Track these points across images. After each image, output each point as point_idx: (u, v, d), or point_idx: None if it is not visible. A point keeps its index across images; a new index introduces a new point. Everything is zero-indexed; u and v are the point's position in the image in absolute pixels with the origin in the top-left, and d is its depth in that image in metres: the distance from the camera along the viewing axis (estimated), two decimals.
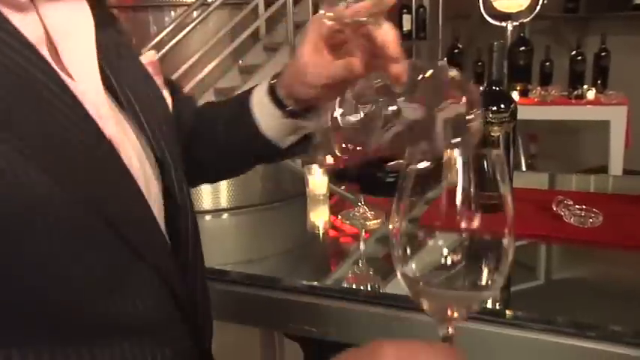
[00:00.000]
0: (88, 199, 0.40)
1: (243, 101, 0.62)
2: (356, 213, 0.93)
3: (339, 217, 0.95)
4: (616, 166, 2.47)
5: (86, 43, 0.46)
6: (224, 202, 1.13)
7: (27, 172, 0.36)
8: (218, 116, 0.66)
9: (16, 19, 0.40)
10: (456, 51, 3.01)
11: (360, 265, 0.84)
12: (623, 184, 1.22)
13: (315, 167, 1.01)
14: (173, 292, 0.48)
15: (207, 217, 1.07)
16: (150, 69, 0.57)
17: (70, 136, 0.40)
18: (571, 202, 0.90)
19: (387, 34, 0.51)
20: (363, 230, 0.92)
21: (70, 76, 0.43)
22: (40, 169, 0.37)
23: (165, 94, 0.58)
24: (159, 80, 0.59)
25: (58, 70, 0.41)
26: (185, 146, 0.62)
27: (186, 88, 3.23)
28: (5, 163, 0.35)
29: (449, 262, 0.39)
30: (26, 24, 0.41)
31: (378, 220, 0.92)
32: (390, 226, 0.41)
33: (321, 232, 0.97)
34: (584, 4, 2.96)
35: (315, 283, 0.75)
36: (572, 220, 0.87)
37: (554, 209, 0.90)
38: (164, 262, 0.48)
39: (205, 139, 0.67)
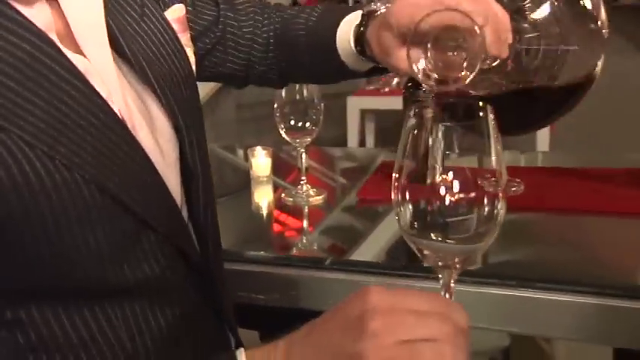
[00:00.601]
0: (96, 179, 0.41)
1: (327, 41, 0.63)
2: (299, 191, 0.97)
3: (283, 195, 0.99)
4: (543, 149, 2.62)
5: (97, 21, 0.47)
6: None
7: (30, 161, 0.38)
8: (301, 44, 0.67)
9: (26, 10, 0.42)
10: None
11: (304, 240, 0.88)
12: (550, 160, 1.32)
13: (258, 150, 1.05)
14: (185, 256, 0.50)
15: None
16: (176, 26, 0.57)
17: (77, 118, 0.41)
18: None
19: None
20: (306, 207, 0.96)
21: (83, 54, 0.45)
22: (46, 155, 0.39)
23: (189, 52, 0.58)
24: (185, 36, 0.58)
25: (68, 53, 0.43)
26: (267, 59, 0.67)
27: None
28: (6, 154, 0.38)
29: (443, 216, 0.41)
30: (36, 13, 0.42)
31: (321, 197, 0.97)
32: (394, 175, 0.42)
33: (264, 214, 1.01)
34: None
35: (262, 252, 0.79)
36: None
37: (479, 182, 0.97)
38: (174, 229, 0.49)
39: (289, 61, 0.69)
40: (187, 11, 0.60)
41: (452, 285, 0.44)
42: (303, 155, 0.96)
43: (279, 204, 0.99)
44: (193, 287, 0.52)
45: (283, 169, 1.17)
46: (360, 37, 0.60)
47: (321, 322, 0.39)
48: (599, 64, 0.62)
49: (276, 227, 0.96)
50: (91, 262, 0.42)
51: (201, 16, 0.64)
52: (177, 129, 0.52)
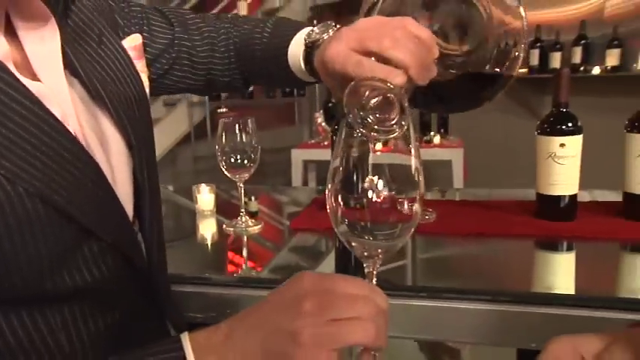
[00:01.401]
0: (41, 192, 0.39)
1: (280, 59, 0.60)
2: (239, 222, 0.95)
3: (224, 225, 0.96)
4: (458, 187, 2.73)
5: (53, 49, 0.46)
6: None
7: None
8: (258, 57, 0.63)
9: None
10: (330, 104, 3.20)
11: (244, 267, 0.86)
12: (462, 195, 1.35)
13: (202, 187, 1.03)
14: (131, 263, 0.47)
15: None
16: (132, 53, 0.55)
17: (27, 136, 0.40)
18: None
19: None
20: (245, 236, 0.94)
21: (40, 80, 0.44)
22: None
23: (144, 77, 0.55)
24: (141, 63, 0.56)
25: (25, 80, 0.42)
26: (229, 70, 0.64)
27: None
28: None
29: (370, 221, 0.43)
30: None
31: (258, 227, 0.95)
32: (328, 187, 0.44)
33: (209, 243, 0.97)
34: None
35: (207, 274, 0.76)
36: None
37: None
38: (122, 239, 0.46)
39: (251, 71, 0.65)
40: (144, 37, 0.59)
41: (374, 273, 0.45)
42: (242, 189, 0.95)
43: (221, 234, 0.96)
44: (136, 291, 0.49)
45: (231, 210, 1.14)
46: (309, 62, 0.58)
47: (260, 305, 0.39)
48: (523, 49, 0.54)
49: (218, 254, 0.93)
50: (29, 269, 0.39)
51: (156, 40, 0.62)
52: (130, 146, 0.50)
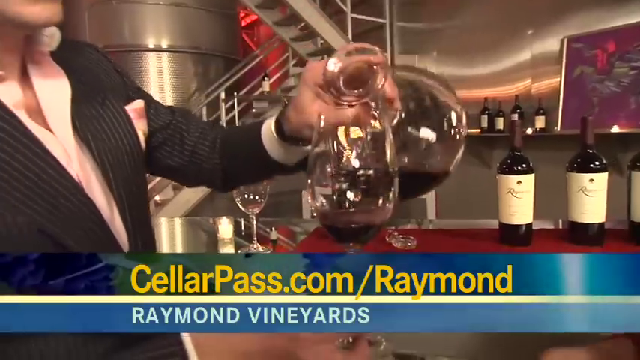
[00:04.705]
0: (39, 223, 0.33)
1: (254, 139, 0.49)
2: (251, 247, 0.85)
3: (239, 251, 0.86)
4: (431, 218, 2.61)
5: (63, 102, 0.40)
6: None
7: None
8: (238, 144, 0.53)
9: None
10: None
11: None
12: (435, 225, 1.25)
13: (223, 219, 0.93)
14: None
15: None
16: (132, 114, 0.48)
17: (32, 175, 0.34)
18: (396, 233, 0.89)
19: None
20: None
21: (49, 129, 0.38)
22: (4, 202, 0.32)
23: (141, 135, 0.47)
24: (141, 122, 0.48)
25: (35, 126, 0.37)
26: (213, 159, 0.54)
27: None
28: None
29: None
30: (7, 91, 0.36)
31: (267, 252, 0.85)
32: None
33: None
34: None
35: None
36: (398, 244, 0.85)
37: (387, 239, 0.89)
38: None
39: (229, 159, 0.54)
40: (150, 112, 0.52)
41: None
42: (254, 221, 0.85)
43: None
44: None
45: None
46: (279, 123, 0.47)
47: None
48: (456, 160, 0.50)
49: None
50: None
51: (159, 117, 0.54)
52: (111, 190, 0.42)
